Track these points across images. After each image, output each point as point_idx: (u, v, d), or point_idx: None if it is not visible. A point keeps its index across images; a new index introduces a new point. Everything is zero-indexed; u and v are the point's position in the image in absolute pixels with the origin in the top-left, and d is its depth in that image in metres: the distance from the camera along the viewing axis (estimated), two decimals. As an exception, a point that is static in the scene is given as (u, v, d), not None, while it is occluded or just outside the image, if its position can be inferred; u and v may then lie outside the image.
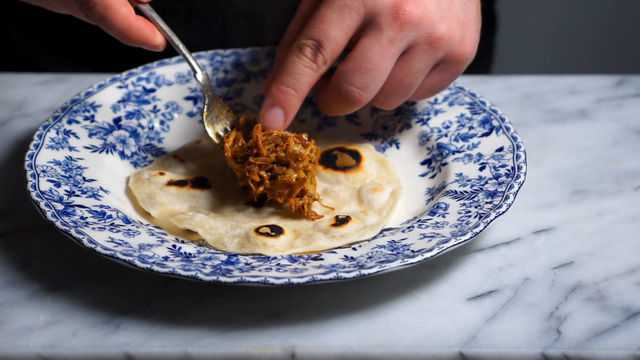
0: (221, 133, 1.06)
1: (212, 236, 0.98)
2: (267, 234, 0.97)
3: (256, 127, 1.01)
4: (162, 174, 1.05)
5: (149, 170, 1.06)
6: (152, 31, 0.98)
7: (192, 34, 1.31)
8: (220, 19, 1.33)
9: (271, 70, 1.18)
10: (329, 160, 1.07)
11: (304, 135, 1.01)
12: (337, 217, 1.00)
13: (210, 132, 1.05)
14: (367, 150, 1.09)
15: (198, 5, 1.32)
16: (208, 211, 1.02)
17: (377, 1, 0.99)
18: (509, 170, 1.02)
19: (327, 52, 1.00)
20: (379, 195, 1.03)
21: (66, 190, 1.00)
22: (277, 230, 0.98)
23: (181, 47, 1.04)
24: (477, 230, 0.94)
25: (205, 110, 1.05)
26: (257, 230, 0.97)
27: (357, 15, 0.99)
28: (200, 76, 1.05)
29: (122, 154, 1.09)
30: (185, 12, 1.31)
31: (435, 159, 1.08)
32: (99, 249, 0.92)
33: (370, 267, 0.90)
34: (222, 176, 1.06)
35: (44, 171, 1.01)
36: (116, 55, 1.37)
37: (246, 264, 0.93)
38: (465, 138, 1.08)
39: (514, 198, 0.98)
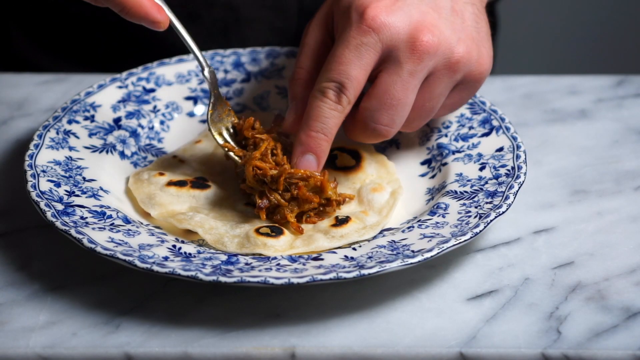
0: (223, 132, 1.06)
1: (212, 236, 0.98)
2: (267, 234, 0.97)
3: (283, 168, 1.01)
4: (161, 174, 1.05)
5: (149, 171, 1.06)
6: (154, 6, 0.97)
7: (191, 37, 1.31)
8: (220, 23, 1.33)
9: (270, 70, 1.18)
10: (328, 161, 1.07)
11: (331, 184, 1.02)
12: (336, 217, 1.00)
13: (214, 131, 1.05)
14: (366, 151, 1.09)
15: (198, 9, 1.32)
16: (208, 211, 1.02)
17: (393, 35, 0.99)
18: (509, 170, 1.02)
19: (351, 92, 1.00)
20: (379, 195, 1.03)
21: (66, 190, 1.00)
22: (277, 231, 0.98)
23: (190, 42, 1.04)
24: (477, 230, 0.94)
25: (210, 108, 1.05)
26: (257, 231, 0.97)
27: (374, 52, 0.99)
28: (207, 72, 1.05)
29: (122, 154, 1.09)
30: (185, 15, 1.30)
31: (435, 159, 1.08)
32: (99, 249, 0.92)
33: (370, 267, 0.90)
34: (222, 176, 1.07)
35: (44, 171, 1.01)
36: (116, 56, 1.37)
37: (246, 264, 0.93)
38: (465, 138, 1.08)
39: (514, 198, 0.98)
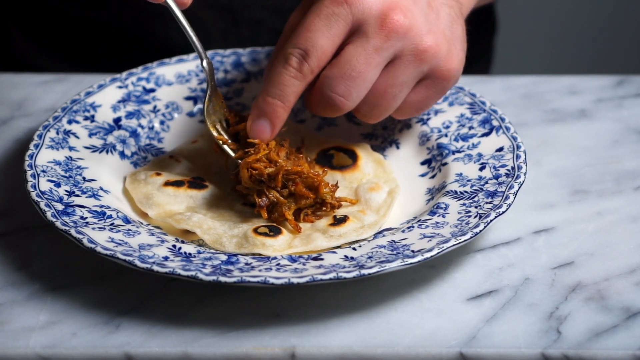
0: (217, 125, 1.06)
1: (210, 236, 0.98)
2: (265, 234, 0.97)
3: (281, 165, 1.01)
4: (158, 174, 1.05)
5: (145, 171, 1.06)
6: None
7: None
8: (218, 24, 1.33)
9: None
10: (325, 160, 1.07)
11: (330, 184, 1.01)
12: (334, 216, 1.00)
13: (209, 124, 1.05)
14: (363, 150, 1.09)
15: (197, 11, 1.32)
16: (206, 211, 1.02)
17: (365, 9, 0.98)
18: (509, 170, 1.02)
19: (314, 61, 0.98)
20: (376, 195, 1.03)
21: (66, 190, 1.00)
22: (275, 230, 0.98)
23: (190, 31, 1.03)
24: (477, 230, 0.94)
25: (206, 100, 1.05)
26: (255, 230, 0.97)
27: (344, 24, 0.98)
28: (205, 63, 1.05)
29: (122, 154, 1.09)
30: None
31: (435, 159, 1.08)
32: (99, 249, 0.92)
33: (370, 267, 0.90)
34: (219, 176, 1.06)
35: (44, 171, 1.01)
36: (116, 56, 1.37)
37: (246, 264, 0.93)
38: (465, 138, 1.08)
39: (514, 198, 0.98)
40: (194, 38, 1.04)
